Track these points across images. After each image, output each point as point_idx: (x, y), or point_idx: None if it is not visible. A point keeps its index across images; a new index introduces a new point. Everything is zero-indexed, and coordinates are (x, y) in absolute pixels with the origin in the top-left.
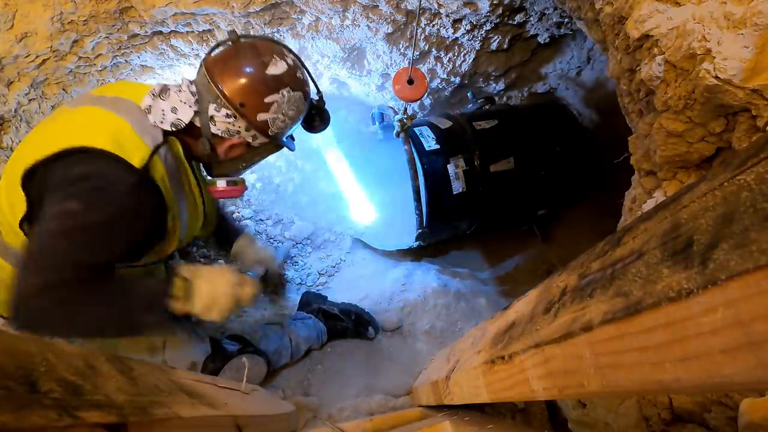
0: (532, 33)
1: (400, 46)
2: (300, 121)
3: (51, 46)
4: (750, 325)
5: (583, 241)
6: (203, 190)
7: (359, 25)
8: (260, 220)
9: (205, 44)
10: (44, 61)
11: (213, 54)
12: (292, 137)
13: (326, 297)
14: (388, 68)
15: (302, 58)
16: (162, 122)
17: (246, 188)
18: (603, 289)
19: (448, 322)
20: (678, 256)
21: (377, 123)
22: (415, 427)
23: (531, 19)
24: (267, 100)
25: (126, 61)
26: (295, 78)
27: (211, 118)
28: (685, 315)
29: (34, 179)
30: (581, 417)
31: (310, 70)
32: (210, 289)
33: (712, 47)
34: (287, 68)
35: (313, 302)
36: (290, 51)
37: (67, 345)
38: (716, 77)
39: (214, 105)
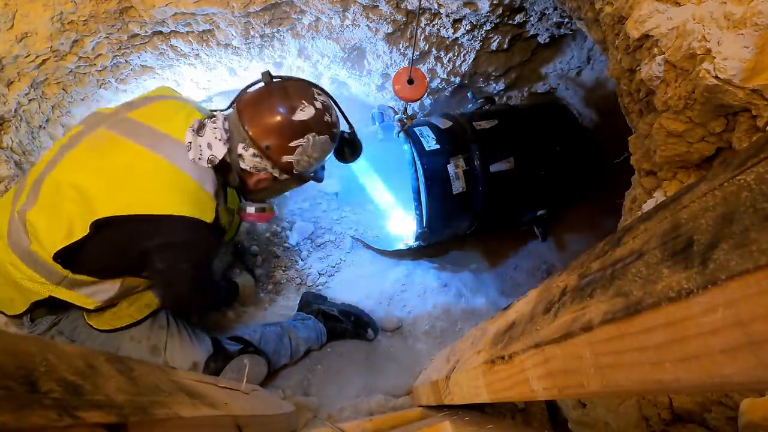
0: (532, 33)
1: (400, 46)
2: (326, 159)
3: (51, 46)
4: (750, 325)
5: (583, 241)
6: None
7: (359, 25)
8: None
9: (205, 44)
10: (44, 61)
11: (247, 93)
12: (323, 167)
13: (326, 298)
14: (388, 68)
15: (305, 57)
16: (200, 159)
17: (274, 214)
18: (603, 289)
19: (448, 322)
20: (678, 256)
21: (377, 123)
22: (415, 427)
23: (531, 19)
24: (292, 144)
25: (126, 61)
26: (322, 122)
27: (240, 155)
28: (685, 315)
29: (111, 228)
30: (581, 417)
31: (339, 105)
32: (247, 296)
33: (712, 47)
34: (315, 113)
35: (312, 303)
36: (322, 92)
37: (67, 345)
38: (716, 77)
39: (243, 144)
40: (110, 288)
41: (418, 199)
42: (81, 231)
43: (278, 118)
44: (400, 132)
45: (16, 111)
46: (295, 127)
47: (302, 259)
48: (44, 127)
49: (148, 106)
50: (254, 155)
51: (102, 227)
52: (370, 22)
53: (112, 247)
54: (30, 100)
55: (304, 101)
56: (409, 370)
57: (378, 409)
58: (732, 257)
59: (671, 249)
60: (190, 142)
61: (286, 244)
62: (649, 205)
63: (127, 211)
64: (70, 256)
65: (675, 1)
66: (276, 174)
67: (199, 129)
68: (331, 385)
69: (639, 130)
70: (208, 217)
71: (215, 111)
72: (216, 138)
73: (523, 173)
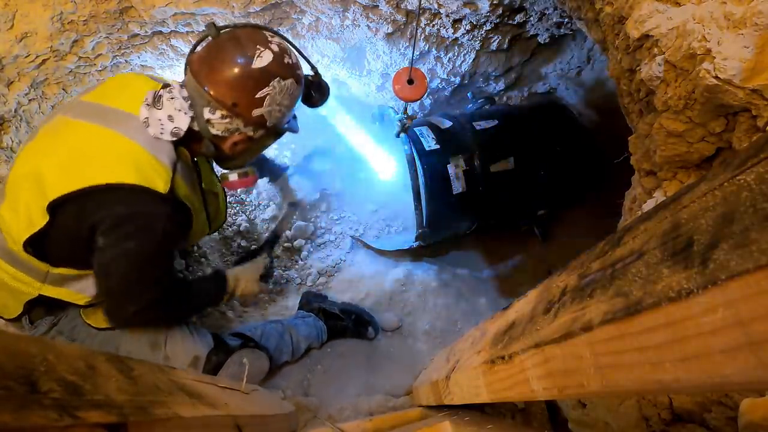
0: (532, 33)
1: (400, 46)
2: (297, 104)
3: (51, 46)
4: (750, 325)
5: (583, 241)
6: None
7: (359, 25)
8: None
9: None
10: (44, 61)
11: (195, 52)
12: (294, 116)
13: (326, 296)
14: (388, 68)
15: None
16: (162, 134)
17: (257, 177)
18: (603, 289)
19: (448, 322)
20: (678, 256)
21: (377, 123)
22: (415, 427)
23: (531, 19)
24: (259, 95)
25: (126, 61)
26: (284, 65)
27: (208, 121)
28: (685, 315)
29: (65, 209)
30: (581, 417)
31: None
32: (243, 290)
33: (712, 47)
34: (273, 57)
35: (313, 302)
36: (275, 33)
37: (67, 345)
38: (716, 77)
39: (208, 108)
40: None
41: (418, 199)
42: (41, 218)
43: (237, 70)
44: (400, 132)
45: (16, 111)
46: (257, 76)
47: (302, 259)
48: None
49: (101, 86)
50: (223, 117)
51: (56, 210)
52: (370, 22)
53: (71, 231)
54: (30, 100)
55: (258, 46)
56: (409, 370)
57: (378, 409)
58: (732, 257)
59: (671, 249)
60: (147, 118)
61: (286, 244)
62: (649, 205)
63: (74, 187)
64: (38, 247)
65: (675, 1)
66: (250, 132)
67: (155, 101)
68: (331, 385)
69: (639, 130)
70: (160, 186)
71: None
72: (176, 108)
73: (523, 173)
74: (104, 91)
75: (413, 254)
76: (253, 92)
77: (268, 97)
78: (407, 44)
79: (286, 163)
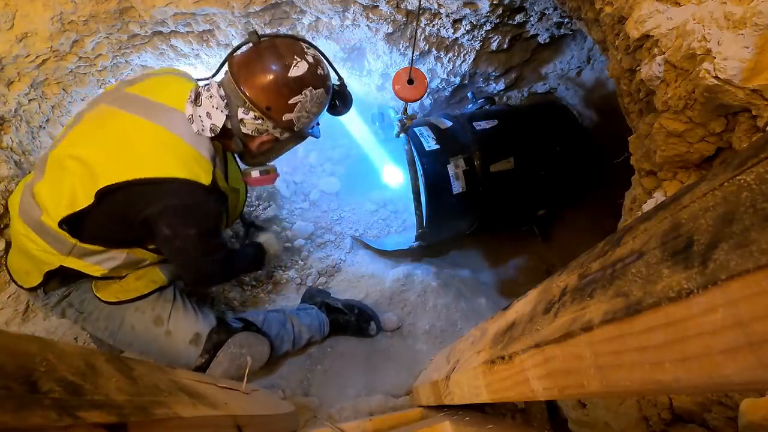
0: (532, 33)
1: (400, 46)
2: (323, 112)
3: (51, 46)
4: (750, 325)
5: (583, 241)
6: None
7: (359, 25)
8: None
9: (204, 44)
10: (44, 61)
11: (236, 56)
12: (318, 122)
13: (329, 293)
14: (388, 68)
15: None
16: (203, 130)
17: (278, 176)
18: (603, 289)
19: (448, 322)
20: (678, 256)
21: (377, 123)
22: (415, 427)
23: (531, 19)
24: (291, 101)
25: (126, 61)
26: (316, 76)
27: (241, 120)
28: (685, 315)
29: (114, 196)
30: (581, 417)
31: (329, 57)
32: (272, 249)
33: (712, 47)
34: (308, 67)
35: (316, 296)
36: (310, 45)
37: (67, 345)
38: (716, 77)
39: (243, 109)
40: (117, 256)
41: (418, 199)
42: (84, 200)
43: (274, 77)
44: (400, 132)
45: (16, 111)
46: (292, 84)
47: (302, 259)
48: (44, 127)
49: (146, 80)
50: (255, 118)
51: (105, 196)
52: (370, 22)
53: (116, 215)
54: (30, 100)
55: (296, 57)
56: (409, 370)
57: (378, 409)
58: (732, 257)
59: (671, 249)
60: (191, 115)
61: (286, 244)
62: (649, 205)
63: (125, 178)
64: (75, 225)
65: (675, 1)
66: (278, 134)
67: (196, 99)
68: (331, 385)
69: (639, 130)
70: (205, 179)
71: (202, 79)
72: (213, 107)
73: (523, 173)
74: (148, 86)
75: (413, 254)
76: (287, 98)
77: (299, 104)
78: (407, 44)
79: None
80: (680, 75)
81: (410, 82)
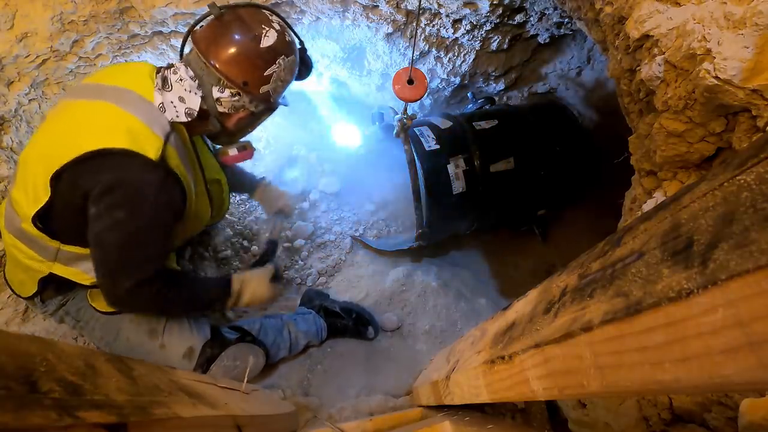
0: (532, 33)
1: (400, 46)
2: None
3: (51, 46)
4: (750, 325)
5: (583, 241)
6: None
7: (359, 25)
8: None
9: None
10: (44, 61)
11: (199, 31)
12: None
13: (328, 295)
14: (388, 68)
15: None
16: (177, 116)
17: (254, 150)
18: (603, 289)
19: (448, 322)
20: (678, 256)
21: (377, 123)
22: (415, 427)
23: (531, 19)
24: (267, 73)
25: (126, 61)
26: (286, 43)
27: (217, 99)
28: (685, 315)
29: (62, 180)
30: (581, 417)
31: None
32: (252, 294)
33: (712, 47)
34: (277, 36)
35: (315, 298)
36: (272, 12)
37: (67, 345)
38: (716, 77)
39: (217, 87)
40: None
41: (417, 199)
42: (44, 194)
43: (247, 50)
44: (399, 132)
45: (16, 111)
46: (266, 55)
47: (302, 259)
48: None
49: (103, 70)
50: (232, 95)
51: (56, 182)
52: (370, 22)
53: (66, 201)
54: (30, 100)
55: (263, 26)
56: (409, 370)
57: (378, 409)
58: (732, 257)
59: (671, 249)
60: (162, 103)
61: (286, 244)
62: (649, 205)
63: (69, 157)
64: (46, 223)
65: (675, 1)
66: (253, 108)
67: (164, 85)
68: (331, 385)
69: (639, 130)
70: (150, 153)
71: (168, 64)
72: (186, 89)
73: (523, 173)
74: (104, 73)
75: (413, 254)
76: (263, 70)
77: (274, 74)
78: (407, 44)
79: (261, 175)
80: (680, 75)
81: (410, 82)
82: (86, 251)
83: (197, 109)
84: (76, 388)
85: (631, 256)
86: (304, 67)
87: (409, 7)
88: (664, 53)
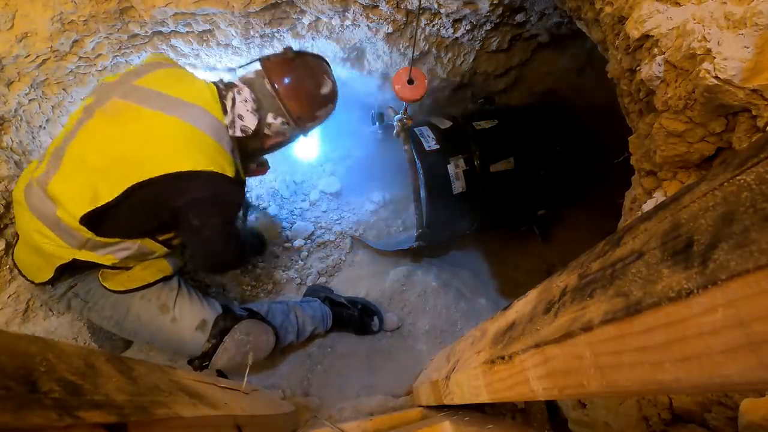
0: (532, 33)
1: (400, 46)
2: None
3: (51, 46)
4: (750, 325)
5: (583, 241)
6: None
7: (359, 25)
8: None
9: (205, 44)
10: (44, 61)
11: (271, 66)
12: None
13: (332, 290)
14: (388, 68)
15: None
16: (235, 132)
17: (269, 168)
18: (603, 289)
19: (448, 322)
20: (678, 256)
21: (377, 123)
22: (415, 427)
23: (531, 19)
24: (317, 114)
25: (126, 61)
26: (334, 93)
27: (269, 124)
28: (685, 315)
29: (141, 191)
30: (581, 417)
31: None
32: (270, 232)
33: (712, 47)
34: (332, 86)
35: (320, 291)
36: (328, 64)
37: (67, 345)
38: (716, 77)
39: (273, 114)
40: (130, 246)
41: (417, 198)
42: (108, 195)
43: (311, 93)
44: (399, 132)
45: (16, 111)
46: (321, 100)
47: (302, 259)
48: (44, 127)
49: (153, 73)
50: (283, 123)
51: (132, 192)
52: (370, 22)
53: (143, 209)
54: (30, 100)
55: (325, 76)
56: (409, 370)
57: (378, 409)
58: (732, 257)
59: (671, 249)
60: (231, 120)
61: (286, 244)
62: (649, 205)
63: (158, 173)
64: (95, 221)
65: (675, 1)
66: (290, 136)
67: (232, 105)
68: (331, 385)
69: (639, 130)
70: (230, 171)
71: (222, 81)
72: (247, 110)
73: (523, 173)
74: (157, 79)
75: (413, 254)
76: (315, 111)
77: (320, 116)
78: (407, 44)
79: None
80: (680, 75)
81: (410, 82)
82: (118, 240)
83: (253, 129)
84: (76, 388)
85: (631, 256)
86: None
87: (409, 7)
88: (664, 53)
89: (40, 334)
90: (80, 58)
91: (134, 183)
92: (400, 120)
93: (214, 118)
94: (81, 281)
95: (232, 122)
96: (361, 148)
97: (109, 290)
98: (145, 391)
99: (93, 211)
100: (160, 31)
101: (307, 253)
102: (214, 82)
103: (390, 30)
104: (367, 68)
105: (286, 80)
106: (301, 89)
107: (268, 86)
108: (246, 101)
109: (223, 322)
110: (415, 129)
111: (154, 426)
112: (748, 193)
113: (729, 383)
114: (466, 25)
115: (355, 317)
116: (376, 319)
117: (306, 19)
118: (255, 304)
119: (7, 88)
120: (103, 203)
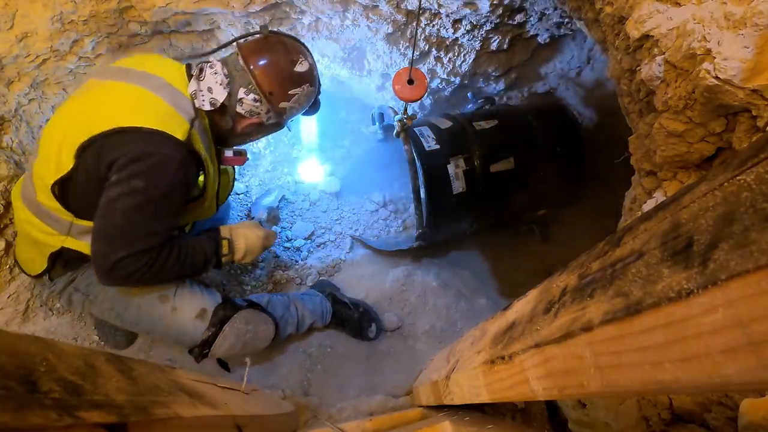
0: (532, 33)
1: (400, 46)
2: (303, 109)
3: (51, 46)
4: (750, 325)
5: (583, 241)
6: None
7: (359, 25)
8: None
9: (205, 44)
10: (44, 61)
11: (245, 42)
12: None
13: (339, 288)
14: (388, 68)
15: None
16: (203, 104)
17: (248, 158)
18: (603, 289)
19: (448, 322)
20: (678, 256)
21: (377, 123)
22: (415, 427)
23: (531, 19)
24: (291, 92)
25: None
26: (313, 76)
27: (240, 99)
28: (685, 315)
29: (89, 151)
30: (581, 417)
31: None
32: (245, 243)
33: (712, 47)
34: (309, 67)
35: (326, 287)
36: (308, 51)
37: (67, 345)
38: (716, 77)
39: (245, 89)
40: None
41: (418, 199)
42: (68, 163)
43: (283, 67)
44: (399, 132)
45: (16, 111)
46: (296, 77)
47: (302, 259)
48: (44, 127)
49: (131, 56)
50: (255, 100)
51: (82, 152)
52: (370, 23)
53: (90, 171)
54: (30, 100)
55: (301, 56)
56: (409, 370)
57: (378, 409)
58: (732, 257)
59: (671, 249)
60: (195, 91)
61: (286, 244)
62: (649, 205)
63: (99, 130)
64: (64, 192)
65: (675, 2)
66: (264, 119)
67: (200, 74)
68: (331, 385)
69: (639, 130)
70: (178, 133)
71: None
72: (217, 82)
73: (523, 173)
74: (134, 59)
75: (413, 254)
76: (288, 89)
77: (296, 96)
78: (407, 44)
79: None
80: (680, 75)
81: (410, 82)
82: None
83: (221, 101)
84: (76, 388)
85: (631, 256)
86: (313, 108)
87: (409, 7)
88: (664, 53)
89: (40, 334)
90: (80, 58)
91: (83, 142)
92: (400, 120)
93: (174, 88)
94: (80, 275)
95: (197, 92)
96: (361, 148)
97: None
98: (145, 391)
99: (59, 180)
100: (160, 31)
101: (307, 253)
102: (188, 63)
103: (390, 30)
104: (367, 68)
105: (259, 54)
106: (273, 64)
107: (241, 61)
108: (216, 74)
109: (222, 311)
110: (415, 129)
111: (153, 426)
112: (748, 193)
113: (729, 383)
114: (466, 25)
115: (353, 319)
116: (374, 326)
117: (306, 19)
118: (256, 296)
119: (7, 88)
120: (66, 171)
